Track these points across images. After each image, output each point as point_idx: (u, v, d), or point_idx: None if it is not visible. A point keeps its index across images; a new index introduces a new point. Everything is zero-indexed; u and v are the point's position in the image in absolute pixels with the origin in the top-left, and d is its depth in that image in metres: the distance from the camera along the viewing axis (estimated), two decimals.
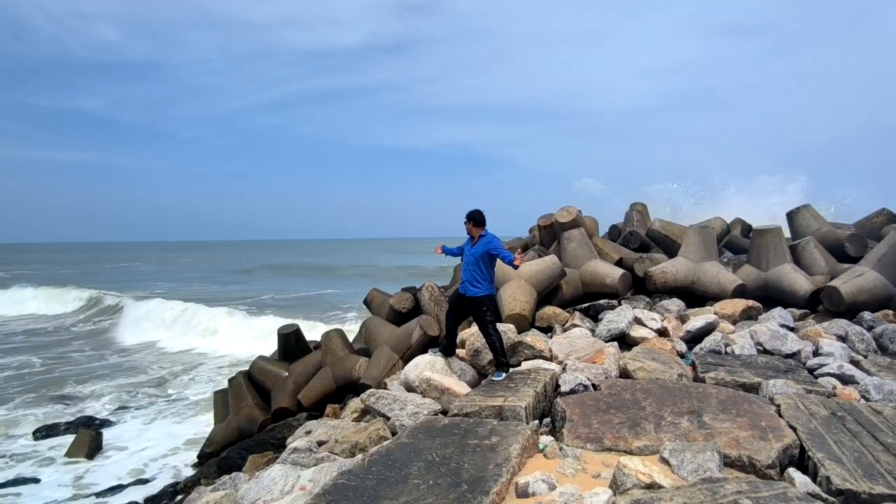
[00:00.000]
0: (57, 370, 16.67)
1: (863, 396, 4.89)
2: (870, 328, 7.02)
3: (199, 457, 9.09)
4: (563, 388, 5.23)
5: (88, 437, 9.98)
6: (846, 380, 5.34)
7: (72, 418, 11.65)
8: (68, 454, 9.65)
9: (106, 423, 11.45)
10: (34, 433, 10.76)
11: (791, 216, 10.77)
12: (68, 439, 10.13)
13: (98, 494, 8.13)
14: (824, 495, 3.20)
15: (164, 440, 10.52)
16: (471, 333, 6.58)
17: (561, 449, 4.11)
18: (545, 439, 4.33)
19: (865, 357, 6.21)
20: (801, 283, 8.34)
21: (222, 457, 7.89)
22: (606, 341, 6.72)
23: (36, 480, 8.76)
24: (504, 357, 5.69)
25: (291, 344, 9.66)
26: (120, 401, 13.15)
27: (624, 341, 6.98)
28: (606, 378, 5.54)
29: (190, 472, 8.67)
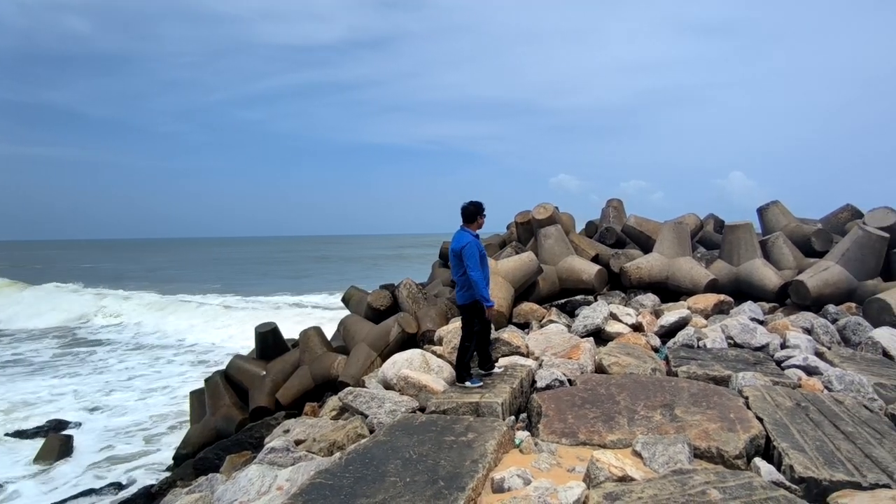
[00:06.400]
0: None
1: (826, 387, 5.07)
2: (834, 320, 7.27)
3: (174, 458, 8.95)
4: (540, 384, 5.30)
5: (58, 441, 9.75)
6: (811, 371, 5.52)
7: (40, 421, 11.36)
8: (37, 459, 9.41)
9: (76, 425, 11.19)
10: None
11: (761, 212, 11.04)
12: (37, 444, 9.88)
13: (69, 500, 7.95)
14: (788, 483, 3.32)
15: (137, 442, 10.34)
16: (448, 331, 6.61)
17: (536, 444, 4.17)
18: (521, 435, 4.39)
19: (829, 348, 6.43)
20: (770, 277, 8.57)
21: (199, 457, 7.79)
22: (582, 337, 6.81)
23: (2, 487, 8.52)
24: (462, 370, 5.28)
25: (269, 342, 9.57)
26: (90, 402, 12.87)
27: (600, 336, 7.08)
28: (582, 373, 5.63)
29: (165, 474, 8.54)
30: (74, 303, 30.44)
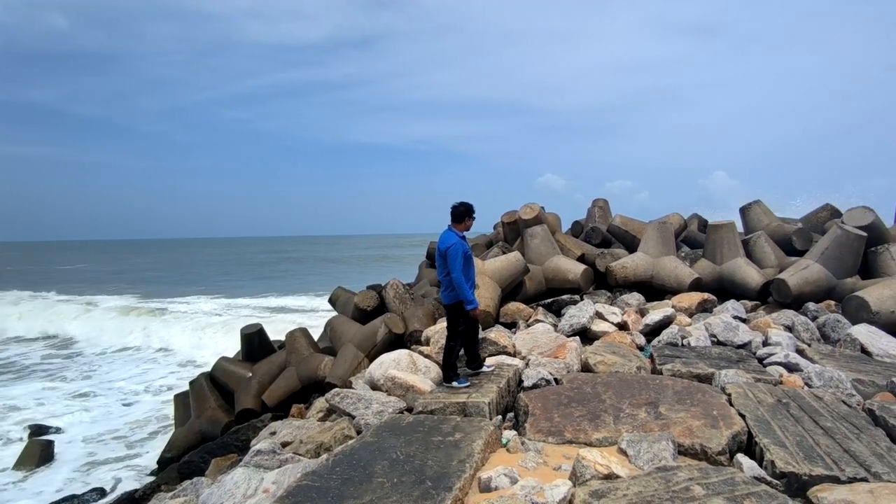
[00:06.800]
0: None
1: (806, 383, 5.16)
2: (814, 318, 7.41)
3: (158, 462, 8.83)
4: (526, 383, 5.33)
5: (38, 447, 9.57)
6: (792, 368, 5.62)
7: (19, 427, 11.14)
8: (17, 465, 9.23)
9: (56, 430, 10.99)
10: None
11: (744, 211, 11.21)
12: (17, 449, 9.69)
13: None
14: (769, 478, 3.38)
15: (120, 446, 10.19)
16: (435, 331, 6.62)
17: (523, 443, 4.19)
18: (508, 434, 4.41)
19: (809, 345, 6.54)
20: (752, 275, 8.71)
21: (184, 461, 7.69)
22: (568, 336, 6.86)
23: None
24: (449, 370, 5.31)
25: (255, 344, 9.49)
26: (72, 405, 12.65)
27: (586, 335, 7.14)
28: (568, 372, 5.67)
29: (149, 478, 8.43)
30: (31, 312, 27.39)
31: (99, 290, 38.51)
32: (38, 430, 10.82)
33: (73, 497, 8.02)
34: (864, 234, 8.31)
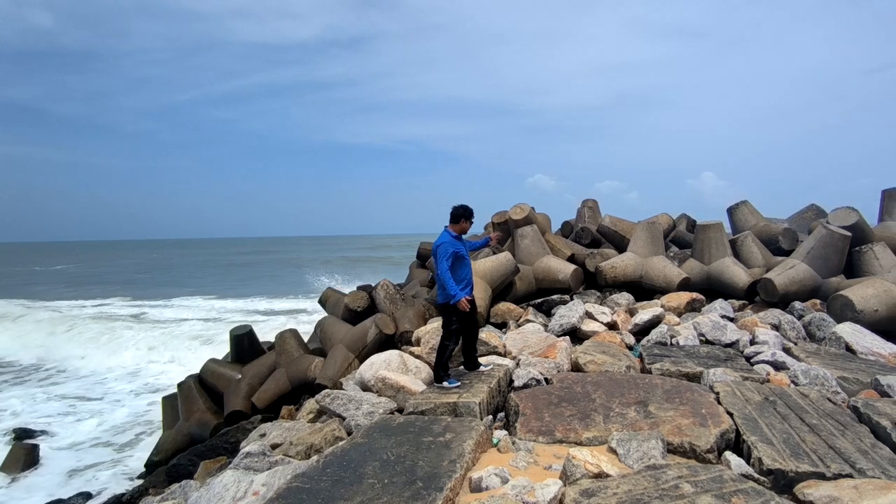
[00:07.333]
0: None
1: (792, 381, 5.23)
2: (800, 317, 7.51)
3: (146, 466, 8.74)
4: (517, 383, 5.34)
5: (23, 451, 9.42)
6: (778, 366, 5.69)
7: (4, 431, 10.97)
8: (1, 469, 9.09)
9: (42, 433, 10.83)
10: None
11: (731, 212, 11.34)
12: (1, 453, 9.54)
13: None
14: (756, 475, 3.42)
15: (107, 450, 10.06)
16: (426, 331, 6.61)
17: (514, 443, 4.20)
18: (499, 434, 4.41)
19: (796, 344, 6.63)
20: (740, 275, 8.80)
21: (172, 464, 7.62)
22: (558, 336, 6.89)
23: None
24: (441, 370, 5.31)
25: (244, 345, 9.43)
26: (57, 410, 12.47)
27: (576, 335, 7.17)
28: (558, 372, 5.69)
29: (137, 482, 8.34)
30: None
31: (79, 293, 37.82)
32: (22, 434, 10.66)
33: (59, 501, 7.92)
34: (849, 233, 8.44)
